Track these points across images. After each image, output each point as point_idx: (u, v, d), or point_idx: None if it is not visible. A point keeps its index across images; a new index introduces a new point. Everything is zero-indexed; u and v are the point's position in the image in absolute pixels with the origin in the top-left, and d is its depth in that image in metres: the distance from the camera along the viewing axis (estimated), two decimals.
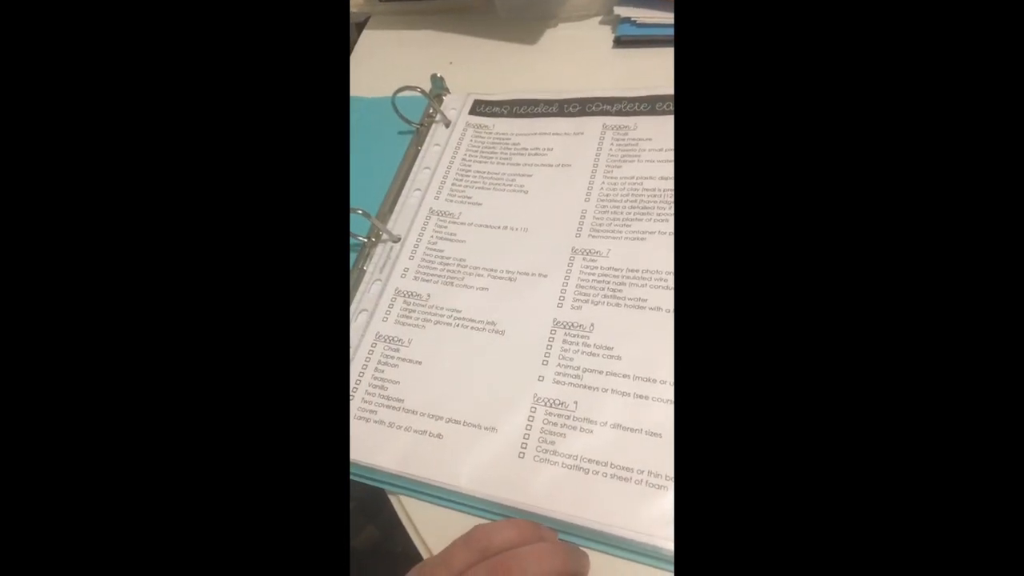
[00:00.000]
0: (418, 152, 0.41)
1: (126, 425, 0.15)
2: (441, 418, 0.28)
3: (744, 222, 0.15)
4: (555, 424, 0.27)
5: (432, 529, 0.27)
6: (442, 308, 0.33)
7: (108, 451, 0.15)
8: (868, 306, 0.14)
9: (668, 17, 0.42)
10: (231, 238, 0.16)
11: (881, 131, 0.14)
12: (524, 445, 0.27)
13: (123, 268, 0.16)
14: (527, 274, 0.33)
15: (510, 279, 0.33)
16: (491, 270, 0.34)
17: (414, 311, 0.33)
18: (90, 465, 0.15)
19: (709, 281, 0.15)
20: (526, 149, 0.39)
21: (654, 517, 0.24)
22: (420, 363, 0.31)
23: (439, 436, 0.28)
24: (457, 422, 0.28)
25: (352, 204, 0.34)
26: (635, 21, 0.43)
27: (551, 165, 0.38)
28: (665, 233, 0.32)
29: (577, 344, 0.29)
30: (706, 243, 0.15)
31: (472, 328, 0.31)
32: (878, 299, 0.14)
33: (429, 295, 0.33)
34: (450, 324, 0.32)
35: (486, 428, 0.28)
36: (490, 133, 0.41)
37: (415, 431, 0.28)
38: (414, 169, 0.40)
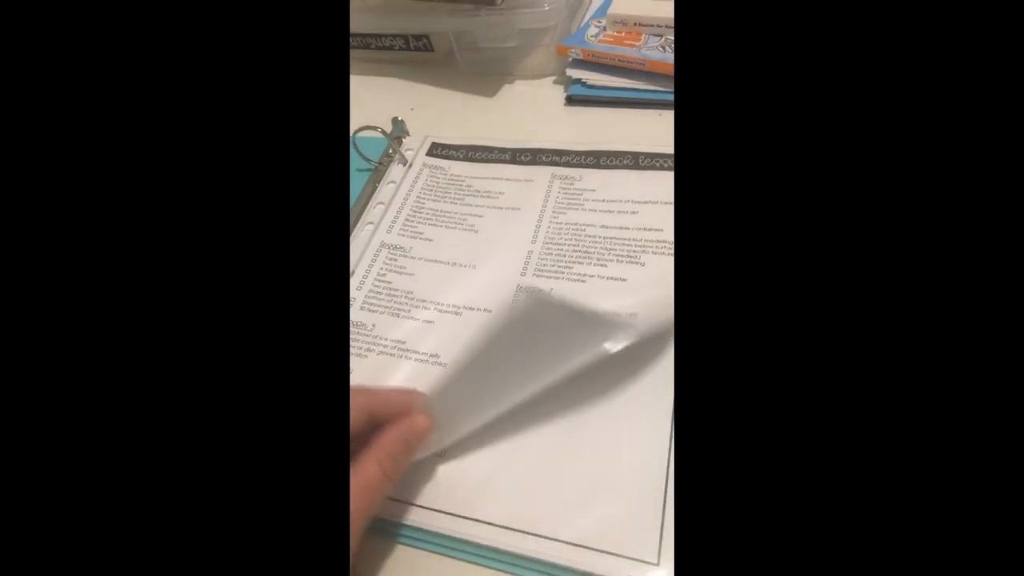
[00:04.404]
0: (375, 188, 0.42)
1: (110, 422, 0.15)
2: None
3: (742, 250, 0.16)
4: None
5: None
6: (386, 339, 0.33)
7: (81, 455, 0.15)
8: (873, 335, 0.15)
9: (615, 81, 0.46)
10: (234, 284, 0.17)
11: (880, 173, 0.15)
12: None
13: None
14: (472, 309, 0.34)
15: (456, 313, 0.34)
16: (437, 303, 0.34)
17: (357, 340, 0.33)
18: (62, 461, 0.15)
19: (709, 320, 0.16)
20: (479, 191, 0.41)
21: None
22: None
23: None
24: None
25: None
26: (585, 83, 0.46)
27: (501, 208, 0.39)
28: (603, 277, 0.34)
29: None
30: (705, 272, 0.16)
31: (415, 360, 0.32)
32: (883, 327, 0.15)
33: (374, 325, 0.34)
34: (392, 355, 0.32)
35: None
36: (445, 174, 0.42)
37: None
38: (368, 204, 0.41)
